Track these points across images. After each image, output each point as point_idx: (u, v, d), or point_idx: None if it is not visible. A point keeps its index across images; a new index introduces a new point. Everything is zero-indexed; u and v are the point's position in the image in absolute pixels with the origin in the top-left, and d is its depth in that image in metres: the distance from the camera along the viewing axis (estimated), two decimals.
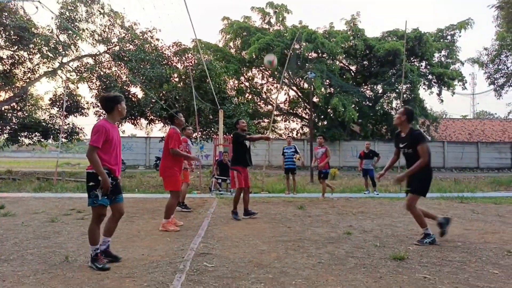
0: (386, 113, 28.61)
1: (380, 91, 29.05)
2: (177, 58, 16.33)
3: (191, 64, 15.86)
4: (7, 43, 16.15)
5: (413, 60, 27.60)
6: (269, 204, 8.38)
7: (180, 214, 6.79)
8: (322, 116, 29.39)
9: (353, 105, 25.84)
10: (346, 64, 29.52)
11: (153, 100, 14.21)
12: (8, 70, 16.71)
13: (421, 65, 28.20)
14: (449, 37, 28.46)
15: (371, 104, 28.96)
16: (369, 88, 29.67)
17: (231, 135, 7.18)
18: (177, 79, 15.92)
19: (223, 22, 29.19)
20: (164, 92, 15.34)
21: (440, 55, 28.46)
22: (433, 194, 10.54)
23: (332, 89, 27.13)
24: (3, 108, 17.70)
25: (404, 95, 25.67)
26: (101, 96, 3.91)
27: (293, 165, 10.65)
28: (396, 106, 28.43)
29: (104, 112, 3.82)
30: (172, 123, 5.80)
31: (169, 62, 15.98)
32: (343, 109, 24.06)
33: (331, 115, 27.43)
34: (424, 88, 28.14)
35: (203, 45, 23.52)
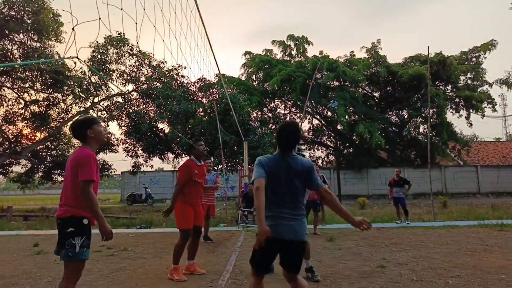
0: (414, 139, 27.97)
1: (406, 117, 28.58)
2: (202, 93, 16.81)
3: (215, 98, 16.27)
4: (43, 86, 17.18)
5: (438, 84, 27.19)
6: None
7: (208, 249, 6.74)
8: (348, 144, 29.06)
9: (379, 132, 25.47)
10: (369, 91, 29.40)
11: (180, 135, 14.57)
12: (43, 112, 17.66)
13: (447, 89, 27.71)
14: (474, 59, 28.00)
15: (397, 130, 28.46)
16: (394, 114, 29.28)
17: None
18: (202, 113, 16.32)
19: (245, 57, 29.99)
20: (190, 126, 15.71)
21: (466, 78, 27.94)
22: (470, 222, 10.04)
23: (356, 116, 26.95)
24: (38, 148, 18.58)
25: (431, 120, 25.13)
26: (71, 122, 3.28)
27: None
28: (423, 130, 27.81)
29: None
30: (190, 154, 5.15)
31: (195, 97, 16.46)
32: (369, 136, 23.75)
33: (357, 142, 27.09)
34: (451, 112, 27.50)
35: (226, 80, 24.14)
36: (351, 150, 28.73)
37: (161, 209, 17.83)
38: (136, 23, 3.03)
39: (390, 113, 29.27)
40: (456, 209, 14.69)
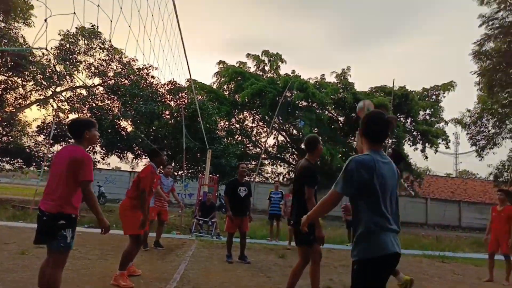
0: None
1: None
2: (171, 96, 16.60)
3: (184, 103, 16.11)
4: (2, 68, 16.25)
5: (399, 116, 28.52)
6: (249, 251, 8.19)
7: (157, 255, 6.60)
8: None
9: (340, 155, 26.21)
10: (335, 114, 30.30)
11: (142, 136, 14.25)
12: None
13: (407, 122, 29.12)
14: (434, 97, 29.73)
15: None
16: (356, 140, 30.30)
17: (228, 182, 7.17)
18: (168, 116, 16.08)
19: (219, 66, 30.04)
20: (154, 128, 15.42)
21: (425, 113, 29.52)
22: (415, 251, 10.50)
23: (320, 137, 27.60)
24: None
25: (389, 149, 26.21)
26: (71, 119, 3.52)
27: (279, 211, 10.56)
28: None
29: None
30: (151, 159, 5.06)
31: (163, 100, 16.21)
32: (330, 158, 24.36)
33: (318, 162, 27.70)
34: (409, 144, 28.85)
35: (197, 86, 24.00)
36: None
37: (113, 209, 17.18)
38: (111, 21, 3.00)
39: (352, 138, 30.27)
40: (403, 237, 15.30)
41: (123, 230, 4.72)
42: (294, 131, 28.85)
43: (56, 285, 3.08)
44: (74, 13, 2.35)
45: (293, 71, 29.46)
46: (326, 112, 28.79)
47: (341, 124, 30.49)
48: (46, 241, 3.09)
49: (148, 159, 5.38)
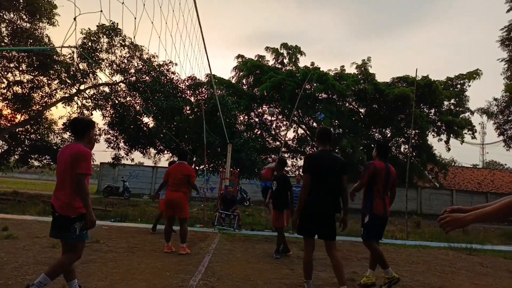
0: (394, 157, 28.47)
1: (388, 135, 29.11)
2: (191, 91, 16.74)
3: (204, 98, 16.22)
4: (29, 68, 16.80)
5: (422, 107, 27.83)
6: (272, 243, 8.23)
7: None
8: None
9: (362, 147, 25.87)
10: (356, 106, 29.86)
11: (164, 131, 14.45)
12: (26, 94, 17.25)
13: (430, 112, 28.39)
14: (458, 86, 28.80)
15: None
16: (377, 131, 29.79)
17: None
18: (189, 112, 16.24)
19: (238, 60, 30.05)
20: (175, 123, 15.61)
21: (450, 103, 28.69)
22: (441, 243, 10.29)
23: (341, 130, 27.31)
24: (17, 130, 18.11)
25: (413, 141, 25.65)
26: (74, 118, 3.61)
27: None
28: (404, 150, 28.38)
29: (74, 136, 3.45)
30: (185, 160, 6.63)
31: (183, 95, 16.37)
32: (351, 151, 24.07)
33: (339, 155, 27.44)
34: (433, 135, 28.14)
35: (216, 80, 24.11)
36: None
37: (137, 204, 17.57)
38: (135, 18, 3.04)
39: (374, 130, 29.76)
40: (428, 229, 15.01)
41: (183, 215, 6.20)
42: (314, 124, 28.56)
43: (61, 268, 3.30)
44: (101, 11, 2.40)
45: (312, 63, 29.15)
46: (347, 104, 28.40)
47: (362, 116, 30.02)
48: (61, 235, 3.29)
49: (180, 159, 6.65)
